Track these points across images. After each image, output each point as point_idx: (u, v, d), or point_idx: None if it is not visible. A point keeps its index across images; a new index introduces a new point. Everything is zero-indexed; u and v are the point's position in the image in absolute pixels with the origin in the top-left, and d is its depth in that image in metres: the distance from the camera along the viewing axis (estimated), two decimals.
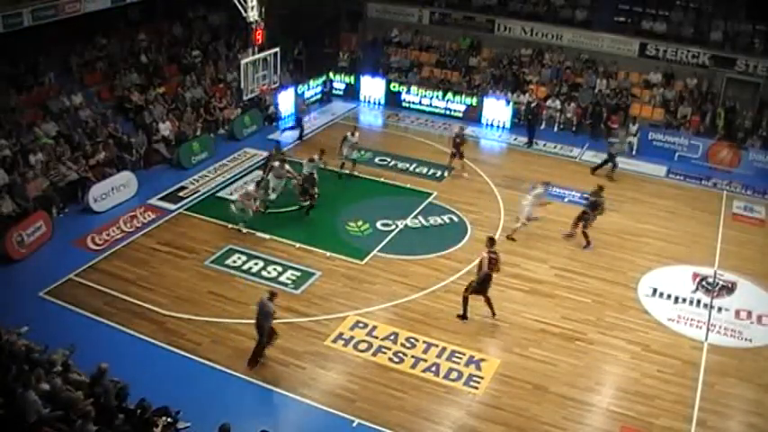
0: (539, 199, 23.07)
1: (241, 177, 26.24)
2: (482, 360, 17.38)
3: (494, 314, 18.97)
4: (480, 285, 18.71)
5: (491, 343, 18.15)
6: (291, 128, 31.12)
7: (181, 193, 24.79)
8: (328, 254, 21.52)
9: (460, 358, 17.39)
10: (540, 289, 20.50)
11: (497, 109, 33.08)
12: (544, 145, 31.19)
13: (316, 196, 23.45)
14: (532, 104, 32.92)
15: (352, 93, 35.57)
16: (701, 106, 33.40)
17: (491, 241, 19.01)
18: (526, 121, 32.26)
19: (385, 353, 17.41)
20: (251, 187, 23.62)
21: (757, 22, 34.24)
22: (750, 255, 23.37)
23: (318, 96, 34.81)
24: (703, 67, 34.34)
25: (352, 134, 26.56)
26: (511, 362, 17.47)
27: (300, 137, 30.46)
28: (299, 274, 20.43)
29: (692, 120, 32.69)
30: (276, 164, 23.75)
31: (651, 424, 15.95)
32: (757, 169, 30.40)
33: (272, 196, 23.72)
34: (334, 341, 17.79)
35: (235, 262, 20.87)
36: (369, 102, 35.17)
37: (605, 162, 28.60)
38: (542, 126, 32.67)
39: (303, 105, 32.31)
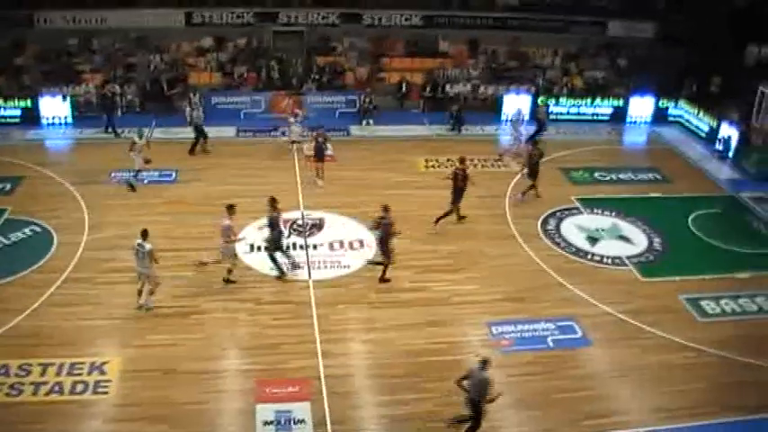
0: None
1: None
2: (104, 363, 16.82)
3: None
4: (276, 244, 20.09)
5: (107, 343, 17.61)
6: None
7: None
8: None
9: (81, 368, 16.63)
10: None
11: (55, 106, 31.56)
12: (109, 131, 30.48)
13: None
14: (103, 92, 31.90)
15: None
16: (255, 62, 34.83)
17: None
18: (103, 110, 31.11)
19: (0, 390, 16.08)
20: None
21: None
22: (329, 189, 25.16)
23: None
24: (249, 26, 35.75)
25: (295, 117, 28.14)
26: (133, 355, 17.14)
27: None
28: None
29: (249, 77, 34.00)
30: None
31: (284, 369, 16.74)
32: (317, 110, 32.67)
33: None
34: None
35: None
36: None
37: (197, 139, 28.83)
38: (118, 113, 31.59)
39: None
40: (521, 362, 17.47)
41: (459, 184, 22.86)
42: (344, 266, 21.05)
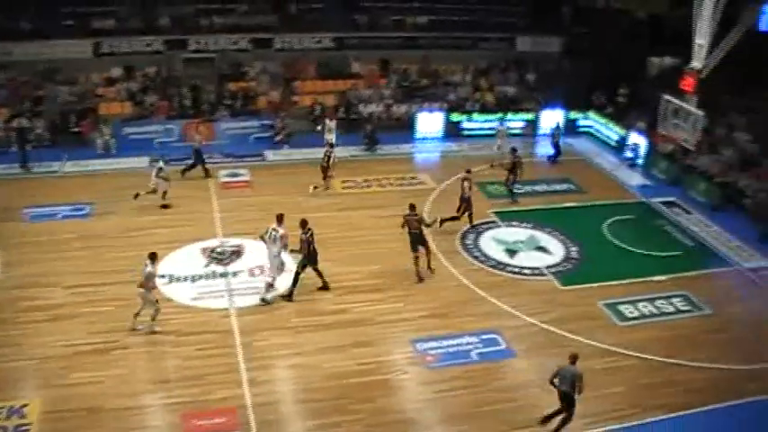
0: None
1: None
2: (23, 405, 16.21)
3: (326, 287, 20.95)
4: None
5: (27, 385, 17.01)
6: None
7: None
8: None
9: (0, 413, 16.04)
10: (61, 313, 19.60)
11: None
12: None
13: None
14: (12, 126, 31.09)
15: None
16: (166, 91, 34.44)
17: (303, 223, 20.29)
18: (19, 144, 30.12)
19: None
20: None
21: (201, 2, 36.57)
22: (246, 216, 25.00)
23: None
24: (159, 54, 35.32)
25: (331, 119, 31.28)
26: (54, 396, 16.57)
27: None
28: None
29: (161, 105, 33.59)
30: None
31: (208, 401, 16.47)
32: (231, 137, 32.56)
33: None
34: None
35: None
36: None
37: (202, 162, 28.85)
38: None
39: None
40: (447, 377, 17.61)
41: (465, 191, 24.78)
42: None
